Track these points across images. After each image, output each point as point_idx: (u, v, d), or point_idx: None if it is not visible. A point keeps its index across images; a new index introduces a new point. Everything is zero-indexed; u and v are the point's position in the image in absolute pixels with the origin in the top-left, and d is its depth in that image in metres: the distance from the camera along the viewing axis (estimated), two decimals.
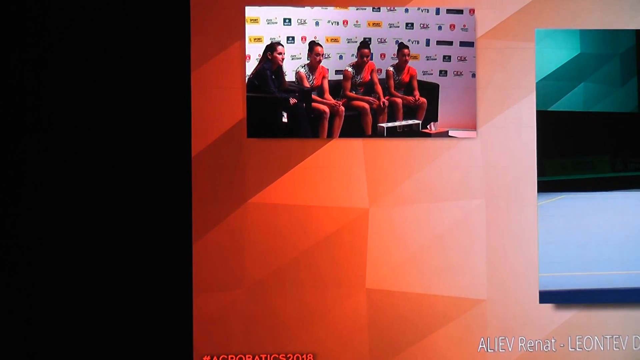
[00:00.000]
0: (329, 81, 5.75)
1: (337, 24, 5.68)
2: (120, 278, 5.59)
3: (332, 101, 5.71)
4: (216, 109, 5.58)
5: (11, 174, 5.60)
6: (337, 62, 5.76)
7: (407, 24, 5.72)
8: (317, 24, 5.67)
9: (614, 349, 5.63)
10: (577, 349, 5.63)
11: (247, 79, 5.59)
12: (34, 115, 5.61)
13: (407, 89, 5.81)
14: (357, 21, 5.68)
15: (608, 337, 5.62)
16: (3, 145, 5.60)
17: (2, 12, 5.60)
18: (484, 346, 5.63)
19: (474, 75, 5.65)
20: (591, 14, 5.61)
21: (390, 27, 5.71)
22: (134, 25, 5.62)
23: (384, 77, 5.82)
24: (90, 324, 5.59)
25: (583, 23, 5.62)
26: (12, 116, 5.60)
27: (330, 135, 5.65)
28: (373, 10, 5.67)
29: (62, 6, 5.62)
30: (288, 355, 5.60)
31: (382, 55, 5.76)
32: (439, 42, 5.76)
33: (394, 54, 5.76)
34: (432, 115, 5.80)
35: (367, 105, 5.75)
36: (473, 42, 5.65)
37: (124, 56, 5.62)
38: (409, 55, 5.76)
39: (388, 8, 5.67)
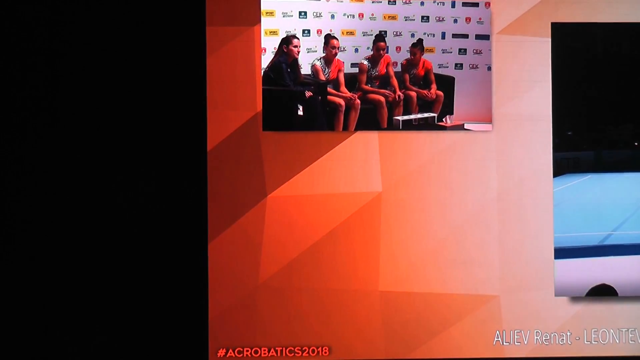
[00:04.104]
0: (345, 74, 5.75)
1: (353, 17, 5.67)
2: (136, 273, 5.60)
3: (348, 94, 5.71)
4: (231, 102, 5.58)
5: (23, 171, 5.62)
6: (352, 55, 5.75)
7: (422, 17, 5.72)
8: (332, 17, 5.67)
9: (630, 342, 5.63)
10: (593, 342, 5.63)
11: (262, 72, 5.59)
12: (44, 111, 5.61)
13: (425, 82, 5.80)
14: (372, 14, 5.67)
15: (624, 330, 5.62)
16: (13, 139, 5.62)
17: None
18: (499, 339, 5.63)
19: (489, 69, 5.65)
20: (609, 6, 5.60)
21: (406, 20, 5.70)
22: (148, 18, 5.62)
23: (400, 70, 5.81)
24: (109, 319, 5.61)
25: (601, 16, 5.61)
26: (20, 112, 5.62)
27: (345, 128, 5.65)
28: (389, 4, 5.66)
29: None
30: (303, 348, 5.61)
31: (398, 49, 5.75)
32: (454, 35, 5.75)
33: (408, 48, 5.76)
34: (447, 108, 5.79)
35: (382, 99, 5.75)
36: (489, 35, 5.65)
37: (137, 48, 5.62)
38: (415, 54, 5.75)
39: (404, 1, 5.67)
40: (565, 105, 5.66)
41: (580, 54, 5.67)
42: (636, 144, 5.77)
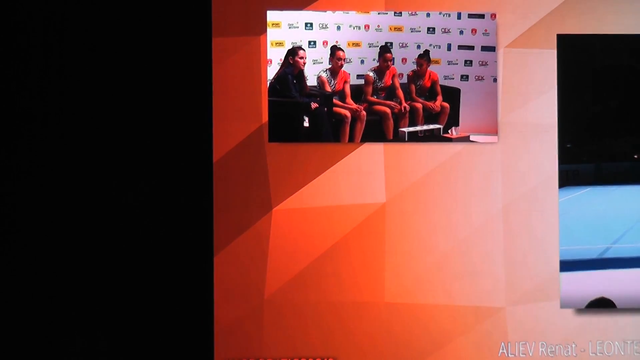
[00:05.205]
0: (351, 86, 5.75)
1: (359, 28, 5.67)
2: (142, 285, 5.58)
3: (354, 106, 5.70)
4: (237, 113, 5.57)
5: (29, 174, 5.60)
6: (358, 66, 5.75)
7: (428, 29, 5.72)
8: (338, 28, 5.67)
9: (635, 353, 5.63)
10: (598, 354, 5.63)
11: (268, 83, 5.58)
12: (46, 117, 5.60)
13: (430, 93, 5.81)
14: (378, 25, 5.68)
15: (629, 342, 5.62)
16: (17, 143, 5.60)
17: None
18: (505, 351, 5.62)
19: (495, 80, 5.65)
20: (615, 18, 5.61)
21: (411, 31, 5.70)
22: (154, 28, 5.61)
23: (405, 81, 5.81)
24: (115, 330, 5.59)
25: (607, 28, 5.62)
26: (24, 114, 5.61)
27: (351, 140, 5.64)
28: (395, 15, 5.66)
29: (78, 5, 5.62)
30: None
31: (404, 60, 5.76)
32: (460, 47, 5.76)
33: (414, 59, 5.76)
34: (453, 119, 5.80)
35: (388, 110, 5.74)
36: (494, 47, 5.65)
37: (144, 59, 5.61)
38: (421, 65, 5.75)
39: (410, 12, 5.67)
40: (571, 116, 5.66)
41: (586, 65, 5.68)
42: (635, 156, 5.78)
